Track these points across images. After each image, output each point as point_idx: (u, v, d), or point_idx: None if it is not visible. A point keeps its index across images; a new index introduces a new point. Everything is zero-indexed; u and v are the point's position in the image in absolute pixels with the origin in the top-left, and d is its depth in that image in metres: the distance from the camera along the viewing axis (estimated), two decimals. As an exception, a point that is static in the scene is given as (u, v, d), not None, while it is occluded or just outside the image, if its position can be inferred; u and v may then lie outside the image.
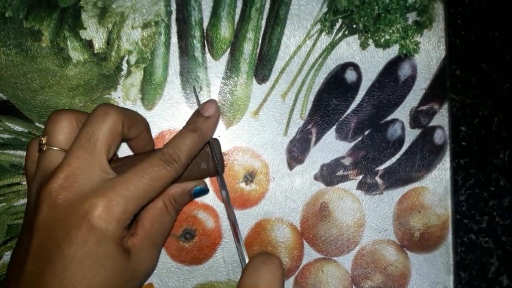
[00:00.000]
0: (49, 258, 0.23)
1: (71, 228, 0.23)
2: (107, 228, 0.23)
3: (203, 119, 0.28)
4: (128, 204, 0.24)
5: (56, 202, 0.23)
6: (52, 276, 0.23)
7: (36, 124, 0.31)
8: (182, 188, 0.29)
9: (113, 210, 0.23)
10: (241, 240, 0.28)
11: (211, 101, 0.30)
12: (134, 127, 0.27)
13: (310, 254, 0.33)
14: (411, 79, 0.34)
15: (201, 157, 0.29)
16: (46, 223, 0.23)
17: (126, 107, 0.32)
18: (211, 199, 0.32)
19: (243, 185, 0.32)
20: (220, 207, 0.32)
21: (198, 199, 0.32)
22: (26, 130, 0.31)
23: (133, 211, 0.24)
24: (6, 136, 0.31)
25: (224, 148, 0.32)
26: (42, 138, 0.26)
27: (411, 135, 0.33)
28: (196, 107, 0.32)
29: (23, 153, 0.31)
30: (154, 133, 0.31)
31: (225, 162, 0.32)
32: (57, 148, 0.25)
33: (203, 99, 0.32)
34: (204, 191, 0.30)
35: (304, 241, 0.33)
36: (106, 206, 0.23)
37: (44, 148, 0.25)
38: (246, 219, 0.32)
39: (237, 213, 0.32)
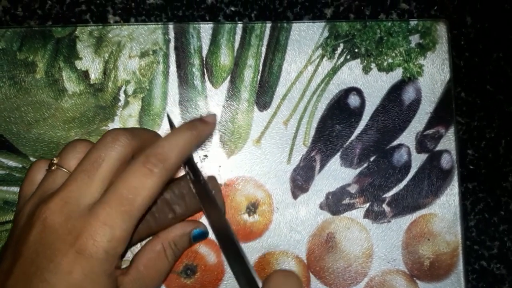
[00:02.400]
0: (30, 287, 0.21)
1: (55, 255, 0.21)
2: (96, 257, 0.21)
3: (201, 121, 0.26)
4: (114, 231, 0.22)
5: (45, 226, 0.22)
6: None
7: (31, 158, 0.30)
8: (181, 230, 0.27)
9: (98, 238, 0.22)
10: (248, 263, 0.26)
11: (212, 114, 0.30)
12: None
13: (317, 287, 0.31)
14: (416, 102, 0.33)
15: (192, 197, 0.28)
16: (32, 247, 0.22)
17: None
18: (212, 233, 0.31)
19: (245, 216, 0.31)
20: (222, 241, 0.31)
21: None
22: (20, 165, 0.30)
23: (122, 237, 0.22)
24: (-1, 172, 0.30)
25: (225, 178, 0.31)
26: (55, 158, 0.25)
27: (417, 160, 0.33)
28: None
29: (17, 189, 0.30)
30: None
31: (226, 193, 0.31)
32: (66, 170, 0.24)
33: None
34: (204, 234, 0.29)
35: (310, 274, 0.31)
36: (91, 234, 0.22)
37: (54, 167, 0.24)
38: (250, 253, 0.31)
39: (241, 246, 0.31)
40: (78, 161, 0.24)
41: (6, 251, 0.24)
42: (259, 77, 0.32)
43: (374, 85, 0.33)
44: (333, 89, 0.32)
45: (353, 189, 0.32)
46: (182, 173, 0.31)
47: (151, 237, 0.27)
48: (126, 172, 0.23)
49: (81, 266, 0.21)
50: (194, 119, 0.27)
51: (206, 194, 0.27)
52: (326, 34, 0.32)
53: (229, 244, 0.26)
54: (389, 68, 0.33)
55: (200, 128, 0.26)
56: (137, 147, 0.24)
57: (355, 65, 0.32)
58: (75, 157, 0.24)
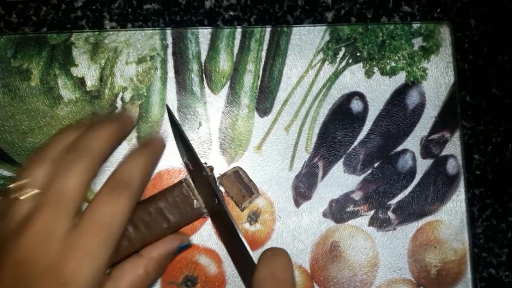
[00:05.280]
0: None
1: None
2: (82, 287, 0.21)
3: (151, 139, 0.27)
4: (97, 260, 0.22)
5: (19, 264, 0.21)
6: None
7: (26, 168, 0.30)
8: (167, 248, 0.26)
9: (82, 269, 0.21)
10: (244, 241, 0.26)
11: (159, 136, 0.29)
12: None
13: (321, 298, 0.30)
14: (420, 107, 0.32)
15: (187, 199, 0.27)
16: (6, 285, 0.21)
17: (121, 146, 0.30)
18: (213, 242, 0.30)
19: (247, 225, 0.30)
20: (222, 251, 0.30)
21: (199, 243, 0.30)
22: (15, 176, 0.30)
23: (104, 264, 0.22)
24: (-7, 182, 0.29)
25: (226, 187, 0.30)
26: (11, 185, 0.23)
27: (422, 166, 0.32)
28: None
29: (12, 200, 0.29)
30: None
31: (227, 201, 0.30)
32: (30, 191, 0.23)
33: (202, 135, 0.31)
34: (187, 247, 0.28)
35: (314, 284, 0.31)
36: (74, 267, 0.21)
37: (16, 194, 0.23)
38: (252, 263, 0.30)
39: (242, 256, 0.30)
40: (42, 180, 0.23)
41: None
42: (259, 82, 0.31)
43: (377, 89, 0.32)
44: (335, 94, 0.32)
45: (357, 196, 0.31)
46: (176, 180, 0.30)
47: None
48: (96, 201, 0.22)
49: None
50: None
51: (203, 180, 0.27)
52: (327, 38, 0.32)
53: (227, 225, 0.26)
54: (392, 72, 0.32)
55: (153, 144, 0.26)
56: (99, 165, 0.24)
57: (357, 69, 0.32)
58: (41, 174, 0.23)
